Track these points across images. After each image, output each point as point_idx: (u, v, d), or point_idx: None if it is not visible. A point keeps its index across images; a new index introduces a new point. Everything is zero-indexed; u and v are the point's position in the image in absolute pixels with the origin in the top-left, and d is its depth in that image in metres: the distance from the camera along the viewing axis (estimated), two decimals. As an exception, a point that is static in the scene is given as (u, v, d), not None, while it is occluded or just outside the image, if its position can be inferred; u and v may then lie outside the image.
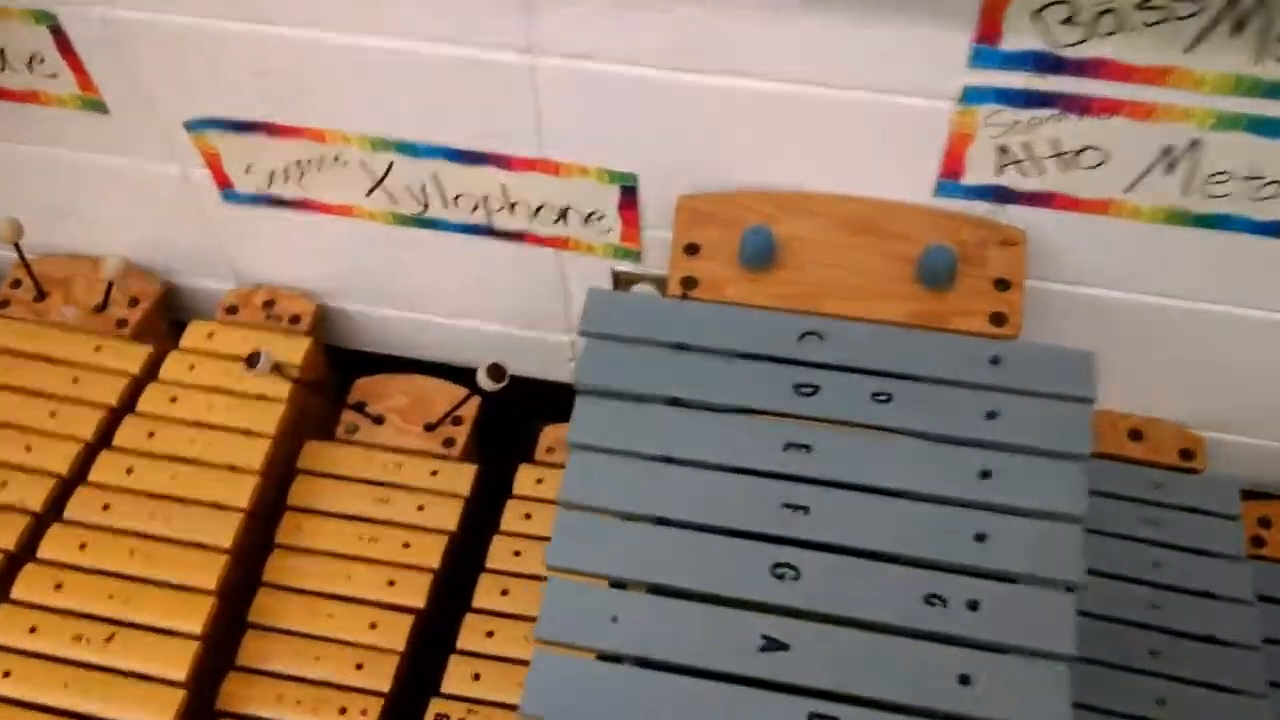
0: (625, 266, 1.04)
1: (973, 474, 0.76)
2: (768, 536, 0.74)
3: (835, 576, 0.72)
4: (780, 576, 0.72)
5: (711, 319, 0.84)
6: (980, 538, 0.73)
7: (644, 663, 0.72)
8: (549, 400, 1.23)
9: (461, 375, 1.19)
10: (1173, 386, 1.05)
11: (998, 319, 0.84)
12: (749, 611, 0.72)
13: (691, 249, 0.89)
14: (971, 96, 0.80)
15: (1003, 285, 0.85)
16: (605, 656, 0.73)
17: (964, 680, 0.69)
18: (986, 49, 0.76)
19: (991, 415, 0.78)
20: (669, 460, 0.78)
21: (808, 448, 0.77)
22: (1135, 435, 1.06)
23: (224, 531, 1.01)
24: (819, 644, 0.71)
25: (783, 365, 0.81)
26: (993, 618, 0.70)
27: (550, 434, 1.15)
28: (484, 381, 1.02)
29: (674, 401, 0.80)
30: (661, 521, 0.75)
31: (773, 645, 0.70)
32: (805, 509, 0.75)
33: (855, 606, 0.71)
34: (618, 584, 0.75)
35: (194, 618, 0.97)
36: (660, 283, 1.04)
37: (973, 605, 0.71)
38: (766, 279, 0.87)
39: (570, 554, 0.75)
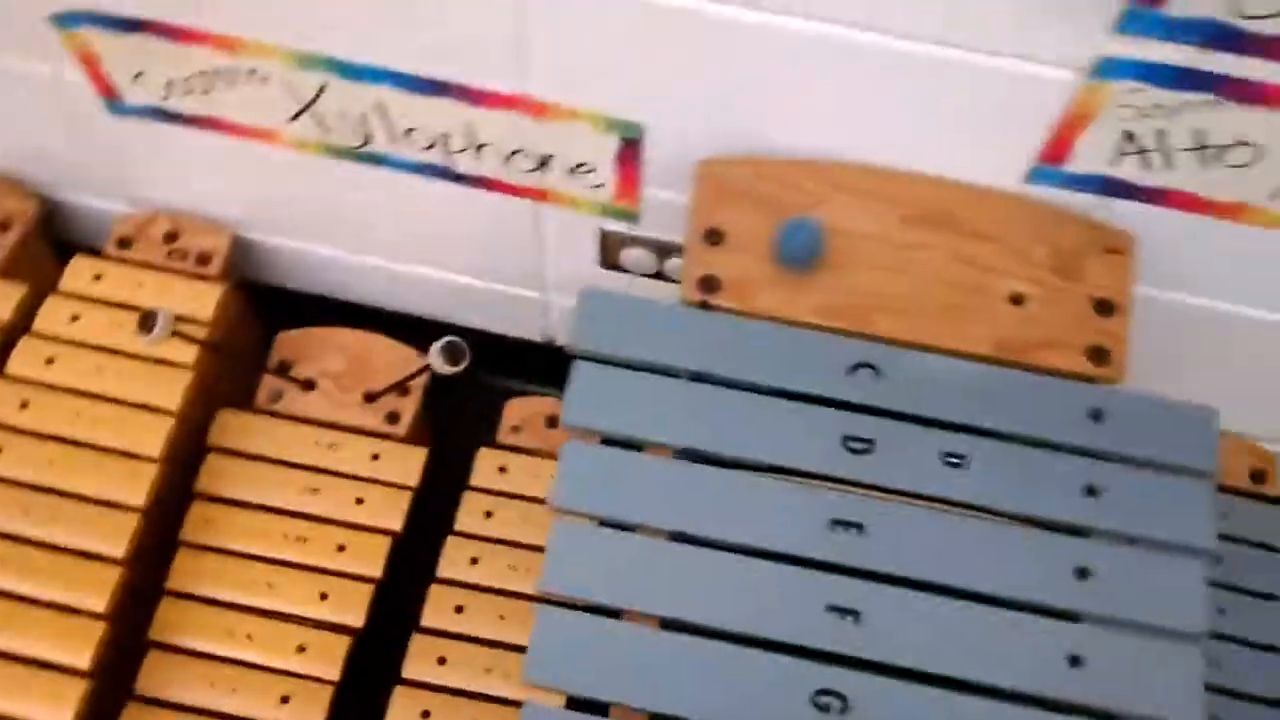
0: (617, 226, 0.84)
1: (1067, 572, 0.60)
2: (806, 651, 0.58)
3: (894, 710, 0.57)
4: (824, 709, 0.56)
5: (738, 339, 0.65)
6: (1075, 661, 0.58)
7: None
8: (515, 363, 1.05)
9: (411, 329, 0.99)
10: (1247, 399, 0.89)
11: (1099, 355, 0.66)
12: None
13: (714, 237, 0.69)
14: (1108, 70, 0.60)
15: (1105, 309, 0.68)
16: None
17: None
18: (1146, 11, 0.56)
19: (1091, 491, 0.61)
20: (681, 538, 0.60)
21: (859, 526, 0.60)
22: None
23: (116, 536, 0.83)
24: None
25: (828, 409, 0.63)
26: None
27: (517, 410, 0.97)
28: (438, 363, 0.83)
29: (688, 454, 0.62)
30: (670, 625, 0.59)
31: (812, 802, 0.55)
32: (855, 614, 0.58)
33: (917, 750, 0.56)
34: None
35: (80, 647, 0.79)
36: (658, 248, 0.85)
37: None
38: (809, 284, 0.68)
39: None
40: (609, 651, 0.57)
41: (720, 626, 0.58)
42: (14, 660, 0.79)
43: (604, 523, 0.61)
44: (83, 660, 0.79)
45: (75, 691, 0.78)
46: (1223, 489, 0.89)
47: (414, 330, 0.98)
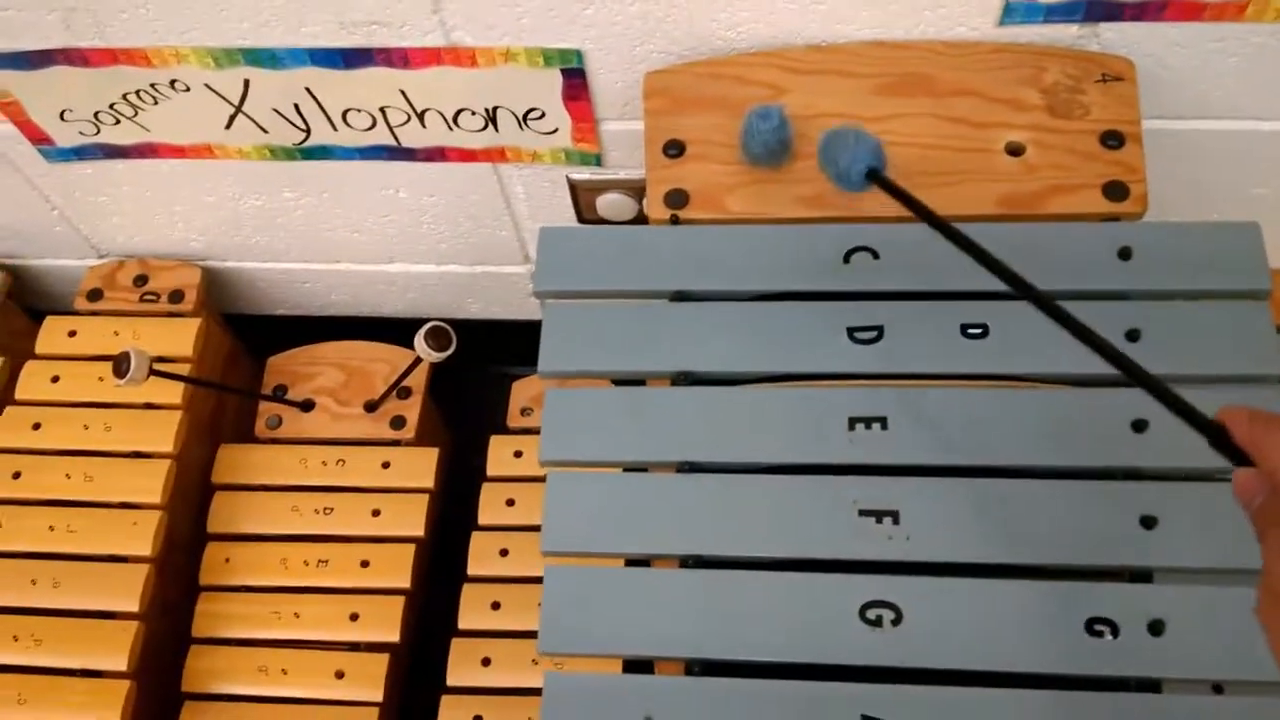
0: (584, 174, 0.79)
1: (1123, 427, 0.53)
2: (847, 565, 0.52)
3: (950, 612, 0.50)
4: (875, 622, 0.50)
5: (716, 249, 0.60)
6: (1148, 522, 0.51)
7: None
8: (517, 345, 1.00)
9: (402, 330, 0.95)
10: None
11: (1116, 190, 0.60)
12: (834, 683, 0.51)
13: (674, 149, 0.64)
14: None
15: (1114, 140, 0.61)
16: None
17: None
18: None
19: (1133, 336, 0.55)
20: (690, 468, 0.55)
21: (881, 421, 0.54)
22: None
23: (128, 591, 0.79)
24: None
25: (826, 302, 0.58)
26: (1183, 644, 0.49)
27: (523, 390, 0.92)
28: (425, 350, 0.78)
29: (683, 379, 0.57)
30: (691, 563, 0.53)
31: (879, 727, 0.49)
32: (893, 515, 0.52)
33: (988, 658, 0.50)
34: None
35: (109, 711, 0.76)
36: (635, 189, 0.79)
37: (1156, 629, 0.49)
38: (784, 178, 0.62)
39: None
40: (630, 602, 0.52)
41: (746, 555, 0.53)
42: (44, 735, 0.76)
43: (603, 467, 0.55)
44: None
45: (110, 756, 0.74)
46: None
47: (405, 334, 0.93)
